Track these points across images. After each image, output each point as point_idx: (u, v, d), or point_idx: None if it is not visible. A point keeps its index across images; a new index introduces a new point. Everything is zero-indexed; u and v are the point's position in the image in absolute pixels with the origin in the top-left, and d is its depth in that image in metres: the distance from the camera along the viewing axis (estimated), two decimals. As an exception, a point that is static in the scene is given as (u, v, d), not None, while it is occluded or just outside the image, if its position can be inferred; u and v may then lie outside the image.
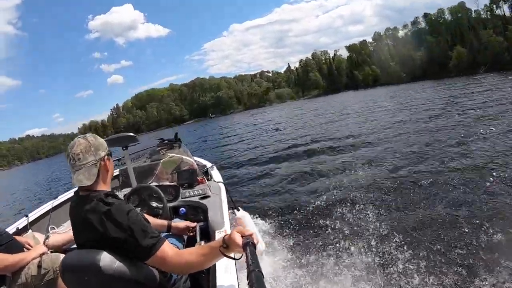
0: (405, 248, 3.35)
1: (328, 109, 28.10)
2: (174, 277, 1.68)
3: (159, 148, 3.86)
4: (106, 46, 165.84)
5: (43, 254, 1.91)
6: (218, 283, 1.47)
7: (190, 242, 2.19)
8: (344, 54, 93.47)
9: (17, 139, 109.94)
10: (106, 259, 1.24)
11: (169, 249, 1.32)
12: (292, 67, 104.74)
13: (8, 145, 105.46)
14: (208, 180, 3.27)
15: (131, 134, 2.96)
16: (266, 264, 3.24)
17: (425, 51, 69.32)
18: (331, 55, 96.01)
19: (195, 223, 2.21)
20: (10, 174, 72.01)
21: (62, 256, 1.83)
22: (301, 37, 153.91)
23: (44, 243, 2.10)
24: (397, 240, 3.51)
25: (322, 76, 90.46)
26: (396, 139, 9.13)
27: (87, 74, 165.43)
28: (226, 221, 2.29)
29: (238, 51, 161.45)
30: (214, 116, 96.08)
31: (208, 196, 2.77)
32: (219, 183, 3.17)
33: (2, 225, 2.41)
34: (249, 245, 1.18)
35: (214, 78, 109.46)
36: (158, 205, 2.53)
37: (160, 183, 3.10)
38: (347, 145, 9.47)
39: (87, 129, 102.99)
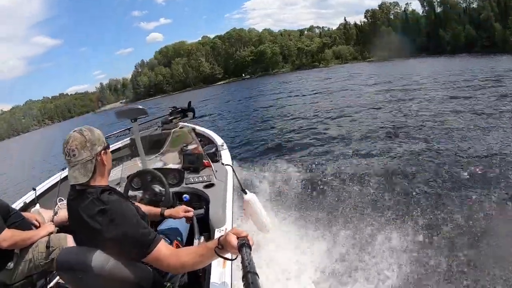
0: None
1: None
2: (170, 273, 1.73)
3: (171, 117, 3.92)
4: (145, 4, 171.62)
5: (51, 233, 2.11)
6: (212, 280, 1.56)
7: (190, 232, 2.32)
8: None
9: (50, 97, 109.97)
10: (99, 258, 1.29)
11: (165, 248, 1.37)
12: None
13: (40, 105, 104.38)
14: (216, 161, 3.30)
15: (140, 107, 3.00)
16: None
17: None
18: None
19: (191, 213, 2.19)
20: (39, 133, 72.63)
21: (69, 236, 2.06)
22: None
23: (52, 220, 2.29)
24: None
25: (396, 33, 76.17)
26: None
27: (127, 32, 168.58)
28: (228, 216, 2.32)
29: (280, 10, 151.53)
30: (248, 76, 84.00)
31: (213, 185, 2.81)
32: (227, 166, 3.18)
33: (11, 198, 2.64)
34: (244, 246, 1.21)
35: (255, 30, 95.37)
36: (161, 189, 2.58)
37: (165, 166, 3.28)
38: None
39: (105, 88, 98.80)
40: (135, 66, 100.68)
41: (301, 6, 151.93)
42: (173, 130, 3.69)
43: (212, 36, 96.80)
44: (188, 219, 2.21)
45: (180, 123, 3.92)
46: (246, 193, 2.65)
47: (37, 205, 2.70)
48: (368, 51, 78.48)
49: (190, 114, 3.96)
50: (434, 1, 76.45)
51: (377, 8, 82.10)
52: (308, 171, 5.56)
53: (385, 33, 76.17)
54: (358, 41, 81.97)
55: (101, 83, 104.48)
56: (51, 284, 2.31)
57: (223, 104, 24.18)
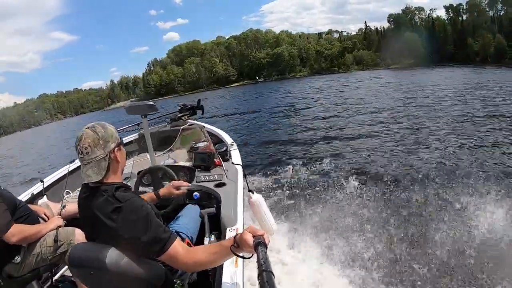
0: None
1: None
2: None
3: (181, 114, 3.99)
4: (162, 4, 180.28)
5: (60, 226, 2.11)
6: (224, 280, 1.57)
7: (200, 230, 2.29)
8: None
9: (64, 92, 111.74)
10: (113, 255, 1.30)
11: (180, 247, 1.37)
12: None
13: (53, 98, 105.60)
14: (226, 160, 3.36)
15: (151, 103, 3.07)
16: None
17: None
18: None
19: (184, 190, 2.24)
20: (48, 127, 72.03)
21: (77, 230, 2.07)
22: (363, 4, 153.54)
23: (60, 214, 2.29)
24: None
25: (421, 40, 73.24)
26: None
27: (143, 31, 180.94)
28: (239, 216, 2.33)
29: (297, 14, 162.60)
30: (262, 80, 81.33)
31: (224, 184, 2.85)
32: (237, 165, 3.25)
33: (20, 189, 2.71)
34: (260, 244, 1.21)
35: (272, 32, 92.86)
36: None
37: (175, 163, 3.31)
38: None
39: (115, 85, 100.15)
40: (147, 64, 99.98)
41: (318, 11, 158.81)
42: (182, 127, 3.69)
43: (227, 36, 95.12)
44: (180, 195, 2.25)
45: (189, 120, 3.91)
46: (253, 194, 2.70)
47: (45, 197, 2.72)
48: (391, 58, 75.78)
49: (199, 112, 3.99)
50: (460, 8, 73.95)
51: (401, 13, 79.39)
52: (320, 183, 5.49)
53: (409, 39, 73.60)
54: (379, 47, 78.85)
55: (111, 80, 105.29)
56: (56, 276, 2.35)
57: (239, 116, 20.16)
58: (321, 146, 8.67)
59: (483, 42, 64.50)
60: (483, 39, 64.59)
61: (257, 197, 2.69)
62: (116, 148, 1.45)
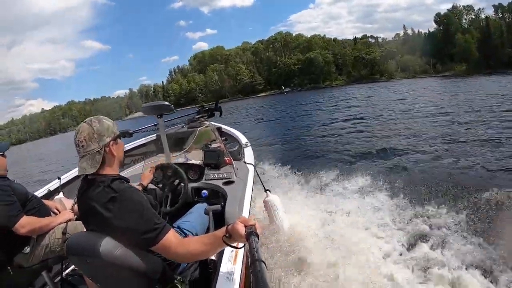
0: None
1: None
2: (182, 266, 1.80)
3: (199, 115, 4.05)
4: (191, 15, 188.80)
5: (69, 220, 2.23)
6: (221, 274, 1.60)
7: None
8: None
9: (92, 99, 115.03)
10: (107, 244, 1.32)
11: (173, 237, 1.40)
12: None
13: (80, 106, 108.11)
14: (239, 159, 3.39)
15: (166, 103, 3.09)
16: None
17: None
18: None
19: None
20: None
21: None
22: (391, 13, 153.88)
23: (72, 208, 2.40)
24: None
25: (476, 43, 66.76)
26: None
27: (173, 41, 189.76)
28: (244, 213, 2.37)
29: (325, 24, 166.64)
30: (288, 90, 74.34)
31: (232, 182, 2.87)
32: (248, 165, 3.25)
33: (38, 186, 2.85)
34: (252, 234, 1.23)
35: (303, 36, 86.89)
36: (181, 184, 2.71)
37: (188, 160, 3.33)
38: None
39: (134, 94, 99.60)
40: (169, 72, 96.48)
41: (346, 21, 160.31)
42: (198, 129, 3.75)
43: (253, 41, 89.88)
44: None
45: (206, 122, 3.91)
46: (269, 193, 2.77)
47: (61, 194, 2.81)
48: (440, 63, 69.29)
49: (217, 113, 3.99)
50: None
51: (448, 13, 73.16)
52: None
53: (461, 42, 67.26)
54: (424, 51, 71.91)
55: (130, 89, 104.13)
56: (68, 270, 2.47)
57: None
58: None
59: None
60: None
61: (272, 197, 2.74)
62: (112, 142, 1.49)
